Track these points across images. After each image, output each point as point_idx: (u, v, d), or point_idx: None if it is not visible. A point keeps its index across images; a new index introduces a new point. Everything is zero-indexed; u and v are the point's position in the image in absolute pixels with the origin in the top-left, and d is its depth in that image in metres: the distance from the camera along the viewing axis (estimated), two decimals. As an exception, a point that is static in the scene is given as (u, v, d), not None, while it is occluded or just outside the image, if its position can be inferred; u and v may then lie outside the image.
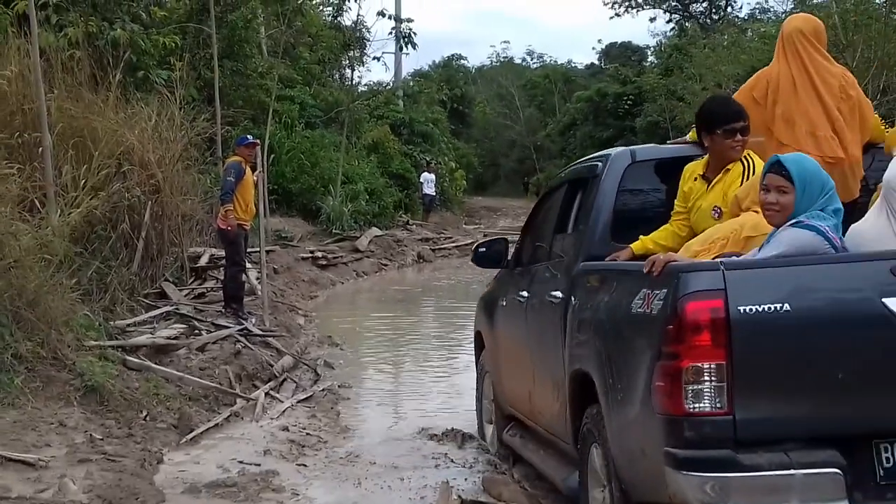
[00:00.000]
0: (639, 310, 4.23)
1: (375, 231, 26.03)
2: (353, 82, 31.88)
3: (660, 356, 3.95)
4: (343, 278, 21.87)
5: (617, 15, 56.86)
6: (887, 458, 3.86)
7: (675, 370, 3.84)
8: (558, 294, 5.56)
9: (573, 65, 66.63)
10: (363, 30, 30.24)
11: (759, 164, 5.02)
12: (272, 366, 10.55)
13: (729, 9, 54.90)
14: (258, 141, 13.44)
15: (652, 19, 57.57)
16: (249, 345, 10.89)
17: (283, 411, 9.09)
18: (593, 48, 64.64)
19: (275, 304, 14.27)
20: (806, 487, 3.71)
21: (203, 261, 14.27)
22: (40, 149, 9.72)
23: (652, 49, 56.48)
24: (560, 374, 5.38)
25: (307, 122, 27.96)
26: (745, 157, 5.17)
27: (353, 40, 29.36)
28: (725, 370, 3.79)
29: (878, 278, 3.88)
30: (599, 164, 5.69)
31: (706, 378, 3.80)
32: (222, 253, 13.14)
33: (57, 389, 7.43)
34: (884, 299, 3.82)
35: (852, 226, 4.43)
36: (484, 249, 7.34)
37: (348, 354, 12.73)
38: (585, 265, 5.34)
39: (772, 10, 45.19)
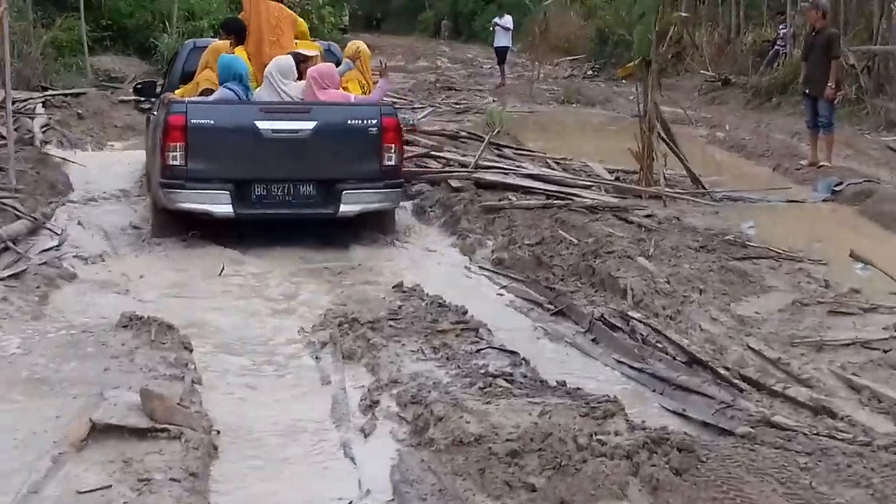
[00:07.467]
0: (161, 119, 9.02)
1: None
2: None
3: (162, 138, 8.79)
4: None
5: None
6: (255, 190, 8.95)
7: (165, 145, 8.74)
8: (154, 111, 10.10)
9: None
10: None
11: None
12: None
13: None
14: None
15: None
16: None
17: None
18: None
19: (42, 156, 12.27)
20: (214, 197, 8.78)
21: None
22: None
23: None
24: (153, 144, 9.55)
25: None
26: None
27: None
28: (184, 147, 8.71)
29: (254, 113, 8.99)
30: (181, 48, 11.30)
31: (177, 150, 8.70)
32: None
33: None
34: (255, 121, 8.86)
35: (255, 90, 9.36)
36: (140, 86, 11.32)
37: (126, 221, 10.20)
38: (162, 97, 9.93)
39: None
